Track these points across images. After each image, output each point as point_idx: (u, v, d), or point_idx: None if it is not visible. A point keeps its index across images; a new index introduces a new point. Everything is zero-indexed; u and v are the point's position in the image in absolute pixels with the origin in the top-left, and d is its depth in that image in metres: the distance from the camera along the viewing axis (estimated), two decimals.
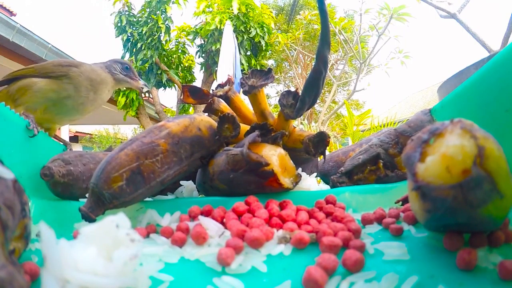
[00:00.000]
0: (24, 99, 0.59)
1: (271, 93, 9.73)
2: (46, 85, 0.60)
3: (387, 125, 2.84)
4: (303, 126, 4.03)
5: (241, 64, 3.96)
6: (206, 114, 0.51)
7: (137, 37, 4.27)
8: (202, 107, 1.10)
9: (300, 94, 0.41)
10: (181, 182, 0.45)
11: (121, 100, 4.44)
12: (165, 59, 4.64)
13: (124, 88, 4.43)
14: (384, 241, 0.27)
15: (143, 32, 4.23)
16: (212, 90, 0.51)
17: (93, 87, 0.64)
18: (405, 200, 0.37)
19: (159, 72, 4.43)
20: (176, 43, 4.81)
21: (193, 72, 5.02)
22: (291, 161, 0.41)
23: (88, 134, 9.57)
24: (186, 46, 4.86)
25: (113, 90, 0.72)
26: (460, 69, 0.63)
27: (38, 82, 0.60)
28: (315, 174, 0.49)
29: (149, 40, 4.22)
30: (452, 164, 0.21)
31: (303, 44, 6.69)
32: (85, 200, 0.37)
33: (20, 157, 0.44)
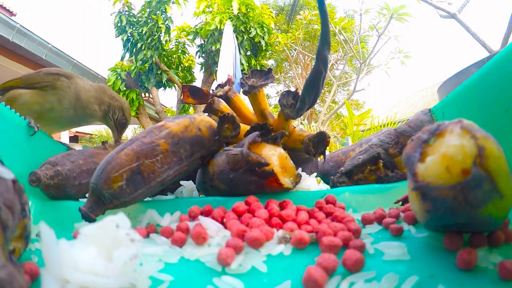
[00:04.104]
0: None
1: (271, 93, 9.73)
2: (31, 97, 0.58)
3: (387, 125, 2.84)
4: (303, 126, 4.03)
5: (241, 64, 3.96)
6: (206, 114, 0.51)
7: (137, 37, 4.27)
8: (202, 107, 1.10)
9: (300, 94, 0.41)
10: (181, 182, 0.45)
11: None
12: (165, 59, 4.64)
13: (124, 88, 4.42)
14: (384, 241, 0.27)
15: (143, 32, 4.23)
16: (212, 90, 0.51)
17: (75, 106, 0.59)
18: (405, 200, 0.37)
19: (159, 72, 4.43)
20: (176, 43, 4.81)
21: (193, 72, 5.02)
22: (291, 161, 0.41)
23: (88, 134, 9.56)
24: (186, 46, 4.86)
25: (94, 122, 0.64)
26: (460, 69, 0.63)
27: (24, 94, 0.58)
28: (315, 174, 0.49)
29: (149, 40, 4.22)
30: (452, 164, 0.21)
31: (303, 44, 6.69)
32: (85, 200, 0.37)
33: (20, 157, 0.44)
